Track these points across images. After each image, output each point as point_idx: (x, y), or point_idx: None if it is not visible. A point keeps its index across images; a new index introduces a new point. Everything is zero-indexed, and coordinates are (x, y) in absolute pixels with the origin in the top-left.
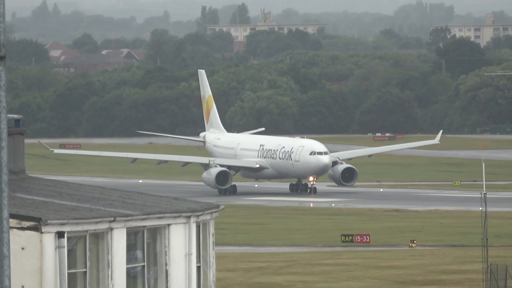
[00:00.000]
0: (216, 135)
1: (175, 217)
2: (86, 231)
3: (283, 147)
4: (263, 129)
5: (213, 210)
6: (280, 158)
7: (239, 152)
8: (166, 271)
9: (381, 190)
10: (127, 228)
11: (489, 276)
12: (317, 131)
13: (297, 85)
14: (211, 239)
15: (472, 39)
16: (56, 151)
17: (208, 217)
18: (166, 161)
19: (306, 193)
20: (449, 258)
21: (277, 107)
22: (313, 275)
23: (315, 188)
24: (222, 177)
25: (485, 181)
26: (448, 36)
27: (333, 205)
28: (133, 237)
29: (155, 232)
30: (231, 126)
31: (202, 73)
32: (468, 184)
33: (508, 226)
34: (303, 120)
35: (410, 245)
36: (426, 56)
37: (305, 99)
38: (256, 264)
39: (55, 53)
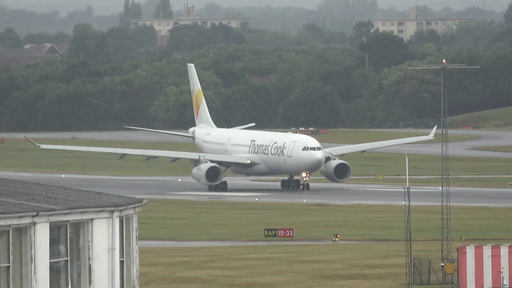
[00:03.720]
0: (205, 130)
1: (98, 211)
2: (9, 225)
3: (275, 143)
4: (253, 124)
5: (136, 205)
6: (272, 154)
7: (230, 148)
8: (89, 266)
9: None
10: (50, 222)
11: (412, 270)
12: (241, 126)
13: (221, 79)
14: (134, 234)
15: (395, 34)
16: (43, 146)
17: (131, 211)
18: (155, 157)
19: (299, 190)
20: (372, 252)
21: None
22: (236, 269)
23: (307, 184)
24: (212, 173)
25: (408, 175)
26: (371, 31)
27: (256, 199)
28: (56, 231)
29: (78, 227)
30: (154, 120)
31: (191, 67)
32: (391, 178)
33: (431, 220)
34: (227, 115)
35: (333, 239)
36: (349, 51)
37: (229, 94)
38: (179, 259)
39: None
